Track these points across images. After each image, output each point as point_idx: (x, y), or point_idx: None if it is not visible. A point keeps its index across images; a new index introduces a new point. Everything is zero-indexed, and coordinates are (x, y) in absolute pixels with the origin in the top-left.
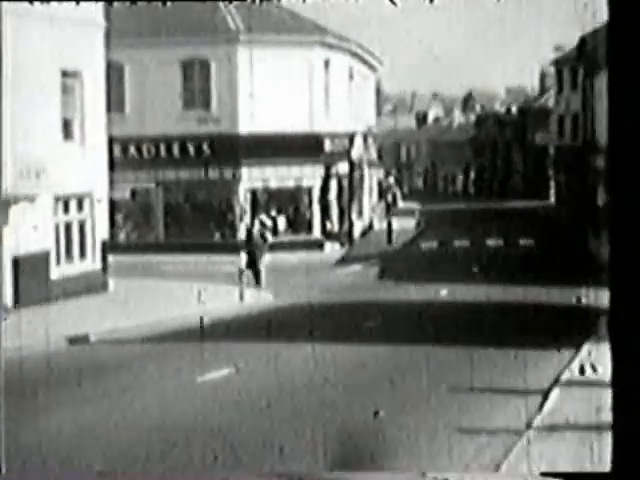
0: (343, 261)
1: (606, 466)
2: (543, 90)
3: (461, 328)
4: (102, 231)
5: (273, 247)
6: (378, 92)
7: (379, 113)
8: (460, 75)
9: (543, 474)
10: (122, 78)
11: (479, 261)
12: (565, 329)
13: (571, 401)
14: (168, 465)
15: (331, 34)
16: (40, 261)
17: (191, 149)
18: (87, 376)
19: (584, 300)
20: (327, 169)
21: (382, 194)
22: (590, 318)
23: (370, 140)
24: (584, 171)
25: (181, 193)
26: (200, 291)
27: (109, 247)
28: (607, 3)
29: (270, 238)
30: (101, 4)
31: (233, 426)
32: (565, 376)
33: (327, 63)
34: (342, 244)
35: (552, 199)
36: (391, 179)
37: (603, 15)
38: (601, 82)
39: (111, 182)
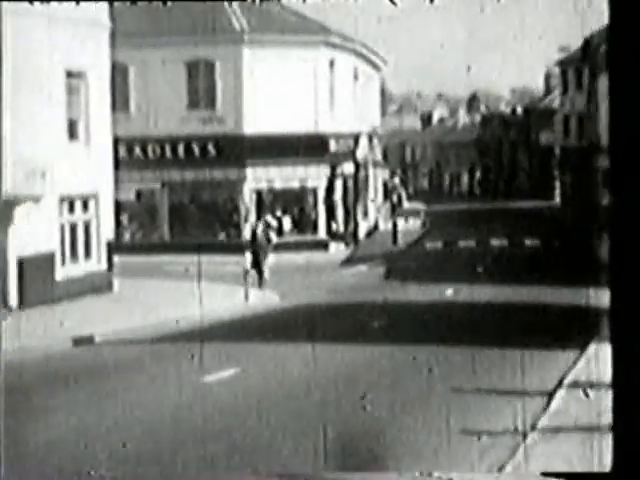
0: (348, 261)
1: (606, 466)
2: (548, 90)
3: (466, 328)
4: (107, 231)
5: (278, 247)
6: (383, 92)
7: (384, 113)
8: (464, 75)
9: (543, 474)
10: (127, 78)
11: (484, 261)
12: (570, 329)
13: (575, 402)
14: (170, 465)
15: (336, 34)
16: (45, 262)
17: (196, 149)
18: (92, 376)
19: (589, 300)
20: (332, 169)
21: (387, 194)
22: (595, 318)
23: (375, 140)
24: (589, 171)
25: (186, 193)
26: (205, 292)
27: (114, 247)
28: (608, 3)
29: (274, 239)
30: (106, 5)
31: (237, 426)
32: (569, 378)
33: (332, 63)
34: (347, 244)
35: (557, 199)
36: (396, 179)
37: (604, 16)
38: (606, 82)
39: (116, 182)
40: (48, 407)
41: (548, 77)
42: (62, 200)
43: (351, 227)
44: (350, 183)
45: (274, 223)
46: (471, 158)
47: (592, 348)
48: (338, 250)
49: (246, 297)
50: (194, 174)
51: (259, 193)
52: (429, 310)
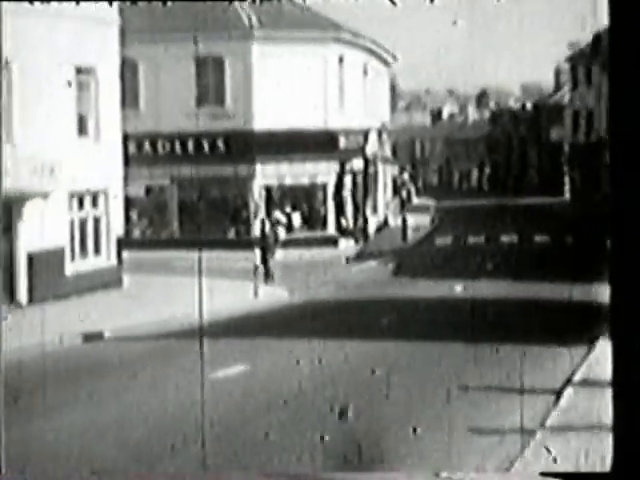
0: (358, 257)
1: (606, 466)
2: (558, 86)
3: (475, 325)
4: (117, 227)
5: (288, 243)
6: (392, 88)
7: (393, 109)
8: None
9: (543, 474)
10: (136, 75)
11: (494, 258)
12: (580, 326)
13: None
14: (174, 462)
15: (345, 30)
16: (55, 257)
17: (206, 146)
18: (100, 372)
19: (598, 296)
20: (342, 165)
21: (397, 190)
22: (605, 315)
23: (385, 136)
24: (599, 167)
25: (196, 189)
26: (214, 288)
27: (124, 243)
28: (608, 3)
29: (282, 235)
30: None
31: (245, 423)
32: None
33: (341, 59)
34: (357, 240)
35: (567, 195)
36: (406, 175)
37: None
38: None
39: (126, 178)
40: (57, 404)
41: (558, 73)
42: (72, 196)
43: (360, 223)
44: (359, 179)
45: (283, 219)
46: (481, 154)
47: (601, 344)
48: (347, 246)
49: (255, 293)
50: (204, 170)
51: (268, 189)
52: (438, 306)
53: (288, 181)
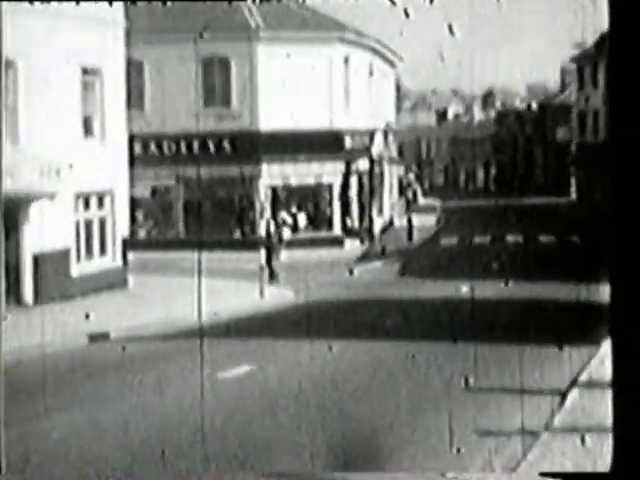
0: (363, 258)
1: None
2: (564, 86)
3: (481, 325)
4: (122, 228)
5: (293, 244)
6: (398, 89)
7: (399, 110)
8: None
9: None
10: (142, 75)
11: (499, 258)
12: (585, 326)
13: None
14: (176, 463)
15: (350, 30)
16: (60, 258)
17: (211, 146)
18: (105, 373)
19: (604, 297)
20: (347, 166)
21: (402, 191)
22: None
23: (390, 137)
24: (605, 167)
25: (201, 190)
26: (220, 288)
27: (129, 244)
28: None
29: (286, 236)
30: (121, 2)
31: (250, 423)
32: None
33: (347, 60)
34: (362, 241)
35: (573, 196)
36: (411, 176)
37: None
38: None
39: (131, 179)
40: (64, 404)
41: (564, 73)
42: (77, 197)
43: (366, 223)
44: (365, 179)
45: (289, 219)
46: (486, 154)
47: (607, 345)
48: (353, 246)
49: (261, 294)
50: (209, 171)
51: (274, 189)
52: (444, 307)
53: (294, 181)
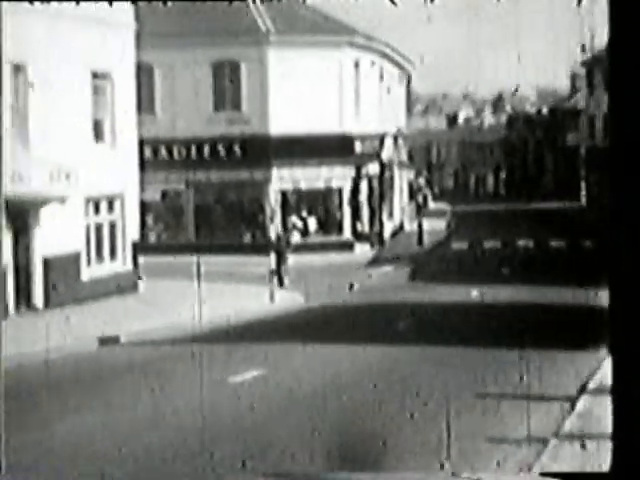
0: (374, 262)
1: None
2: (574, 91)
3: (492, 330)
4: (133, 232)
5: (304, 248)
6: (408, 93)
7: (409, 114)
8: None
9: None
10: (152, 79)
11: (510, 262)
12: (595, 331)
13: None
14: (193, 465)
15: (361, 35)
16: (71, 262)
17: (222, 150)
18: (117, 377)
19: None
20: (357, 170)
21: (413, 195)
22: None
23: (400, 141)
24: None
25: (212, 194)
26: (230, 292)
27: (139, 248)
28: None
29: (297, 239)
30: (130, 5)
31: (260, 427)
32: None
33: (357, 64)
34: (372, 245)
35: (583, 200)
36: (422, 180)
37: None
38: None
39: (142, 183)
40: (75, 408)
41: (574, 77)
42: (88, 201)
43: (376, 228)
44: (375, 184)
45: (299, 224)
46: (497, 158)
47: None
48: (363, 251)
49: (271, 298)
50: (219, 175)
51: (284, 194)
52: (454, 311)
53: (304, 186)
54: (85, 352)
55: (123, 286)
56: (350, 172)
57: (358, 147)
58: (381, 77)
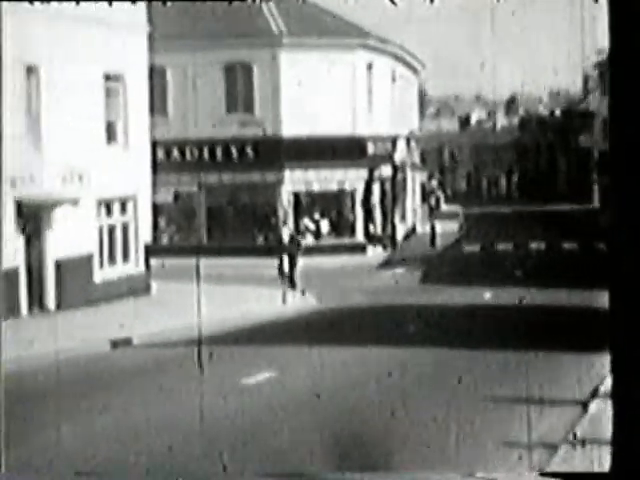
0: (386, 264)
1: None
2: (587, 93)
3: (504, 332)
4: (145, 234)
5: (316, 250)
6: (421, 95)
7: (422, 116)
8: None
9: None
10: (165, 81)
11: (522, 265)
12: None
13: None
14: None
15: (373, 37)
16: (83, 264)
17: (234, 152)
18: (129, 378)
19: None
20: (370, 172)
21: (425, 197)
22: None
23: (413, 143)
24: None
25: (224, 196)
26: (243, 294)
27: (152, 250)
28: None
29: (305, 243)
30: (143, 7)
31: (273, 428)
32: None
33: (370, 66)
34: (385, 247)
35: (596, 203)
36: (434, 182)
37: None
38: None
39: (154, 185)
40: (87, 409)
41: (587, 79)
42: (100, 203)
43: (389, 230)
44: (388, 186)
45: (312, 226)
46: (509, 160)
47: None
48: (376, 253)
49: (284, 300)
50: (232, 177)
51: (297, 196)
52: (466, 314)
53: (316, 188)
54: (97, 354)
55: (135, 288)
56: (362, 174)
57: (370, 149)
58: (393, 79)
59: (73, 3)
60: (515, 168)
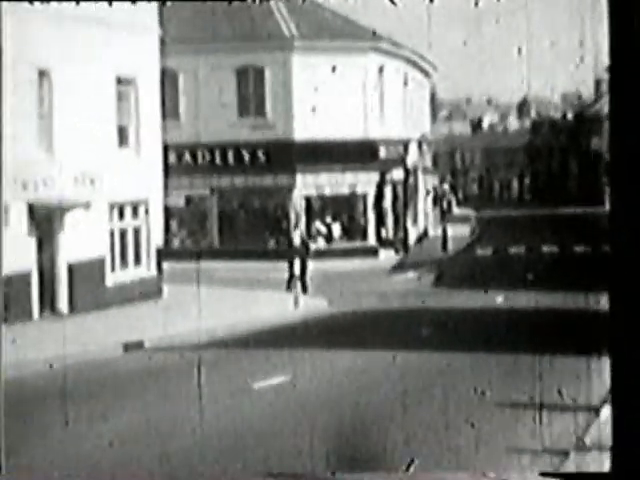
0: (398, 268)
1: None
2: (599, 96)
3: (517, 336)
4: (157, 238)
5: (328, 254)
6: (433, 98)
7: (434, 119)
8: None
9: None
10: (177, 85)
11: (535, 268)
12: None
13: None
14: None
15: (385, 40)
16: (95, 268)
17: (246, 156)
18: (141, 382)
19: None
20: (382, 176)
21: (437, 201)
22: None
23: (425, 147)
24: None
25: (236, 200)
26: (254, 298)
27: (164, 253)
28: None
29: (316, 247)
30: (155, 10)
31: (284, 432)
32: None
33: (381, 69)
34: (397, 251)
35: (607, 206)
36: (446, 186)
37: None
38: None
39: (166, 189)
40: (101, 413)
41: (598, 83)
42: (112, 206)
43: (401, 233)
44: (400, 189)
45: (324, 229)
46: (521, 164)
47: None
48: (388, 257)
49: (295, 304)
50: (244, 180)
51: (308, 199)
52: (479, 317)
53: (328, 191)
54: (109, 357)
55: (147, 291)
56: (374, 178)
57: (382, 153)
58: (405, 83)
59: (83, 6)
60: (527, 171)
